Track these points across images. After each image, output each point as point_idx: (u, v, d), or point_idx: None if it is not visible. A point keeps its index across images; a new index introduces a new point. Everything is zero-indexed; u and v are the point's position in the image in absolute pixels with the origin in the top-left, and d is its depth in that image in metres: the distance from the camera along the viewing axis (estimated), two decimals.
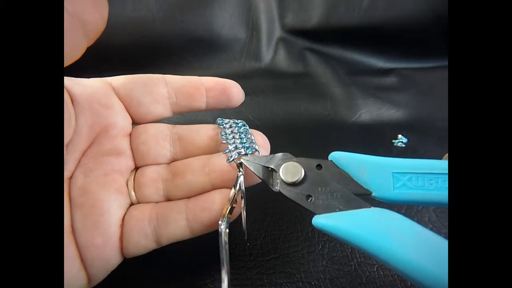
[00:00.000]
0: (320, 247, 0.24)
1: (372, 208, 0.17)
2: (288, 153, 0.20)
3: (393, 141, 0.35)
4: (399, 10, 0.44)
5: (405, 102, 0.41)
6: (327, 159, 0.19)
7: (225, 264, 0.18)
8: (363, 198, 0.18)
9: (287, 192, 0.19)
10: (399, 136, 0.35)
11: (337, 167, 0.19)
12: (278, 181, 0.19)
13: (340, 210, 0.18)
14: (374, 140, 0.35)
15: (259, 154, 0.21)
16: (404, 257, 0.15)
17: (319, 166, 0.19)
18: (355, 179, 0.18)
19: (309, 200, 0.18)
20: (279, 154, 0.20)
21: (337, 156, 0.19)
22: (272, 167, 0.19)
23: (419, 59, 0.46)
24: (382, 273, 0.23)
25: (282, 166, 0.19)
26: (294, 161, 0.19)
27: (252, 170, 0.20)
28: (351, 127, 0.37)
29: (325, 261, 0.24)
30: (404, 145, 0.34)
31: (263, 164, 0.20)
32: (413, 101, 0.41)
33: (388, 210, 0.17)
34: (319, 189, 0.18)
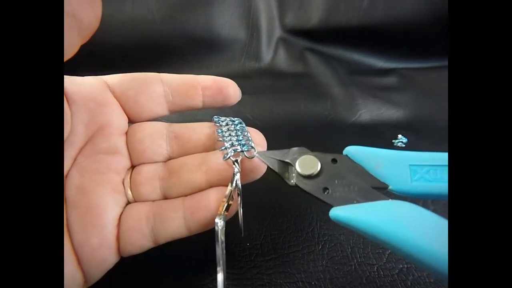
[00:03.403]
0: (320, 247, 0.24)
1: (390, 200, 0.17)
2: (303, 147, 0.20)
3: (393, 141, 0.35)
4: (399, 10, 0.44)
5: (405, 102, 0.41)
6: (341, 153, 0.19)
7: (221, 261, 0.18)
8: (380, 191, 0.18)
9: (304, 185, 0.19)
10: (399, 136, 0.35)
11: (353, 161, 0.19)
12: (294, 174, 0.19)
13: (358, 202, 0.17)
14: (374, 140, 0.35)
15: (255, 151, 0.21)
16: (427, 249, 0.14)
17: (334, 160, 0.19)
18: (371, 173, 0.18)
19: (326, 193, 0.18)
20: (295, 148, 0.20)
21: (352, 150, 0.19)
22: (288, 160, 0.20)
23: (419, 59, 0.46)
24: (382, 273, 0.23)
25: (299, 160, 0.19)
26: (310, 154, 0.19)
27: (268, 164, 0.20)
28: (351, 127, 0.37)
29: (325, 261, 0.23)
30: (404, 145, 0.34)
31: (278, 158, 0.20)
32: (413, 101, 0.41)
33: (407, 202, 0.16)
34: (336, 182, 0.18)
